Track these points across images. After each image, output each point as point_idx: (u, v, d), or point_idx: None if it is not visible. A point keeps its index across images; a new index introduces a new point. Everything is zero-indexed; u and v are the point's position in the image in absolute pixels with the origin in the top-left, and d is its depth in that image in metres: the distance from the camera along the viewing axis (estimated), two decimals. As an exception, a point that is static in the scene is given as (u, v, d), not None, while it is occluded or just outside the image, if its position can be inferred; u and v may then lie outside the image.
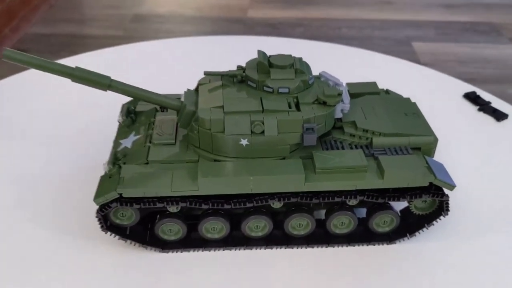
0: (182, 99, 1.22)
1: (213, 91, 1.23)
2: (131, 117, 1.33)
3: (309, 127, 1.14)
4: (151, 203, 1.13)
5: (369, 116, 1.26)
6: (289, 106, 1.17)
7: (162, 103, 1.21)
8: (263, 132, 1.13)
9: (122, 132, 1.31)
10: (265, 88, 1.20)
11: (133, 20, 3.34)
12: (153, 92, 1.20)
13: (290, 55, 1.26)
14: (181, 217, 1.18)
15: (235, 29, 3.25)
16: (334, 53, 2.00)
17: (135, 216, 1.18)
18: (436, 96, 1.62)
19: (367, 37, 3.23)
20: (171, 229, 1.19)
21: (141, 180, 1.13)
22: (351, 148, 1.22)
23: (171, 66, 1.85)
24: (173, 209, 1.16)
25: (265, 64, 1.21)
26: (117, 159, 1.18)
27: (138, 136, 1.26)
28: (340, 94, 1.19)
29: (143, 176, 1.14)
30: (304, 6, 3.62)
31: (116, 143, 1.27)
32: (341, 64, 1.77)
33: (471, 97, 1.65)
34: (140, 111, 1.36)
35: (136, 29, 3.25)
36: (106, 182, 1.10)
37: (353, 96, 1.36)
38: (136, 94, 1.18)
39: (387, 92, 1.41)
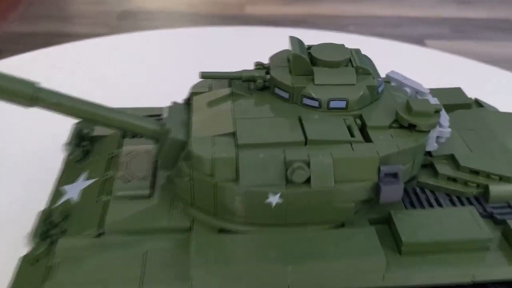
0: (165, 117, 0.65)
1: (217, 105, 0.67)
2: (84, 147, 0.75)
3: (389, 172, 0.58)
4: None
5: (475, 146, 0.70)
6: (350, 133, 0.61)
7: (128, 127, 0.64)
8: (308, 180, 0.57)
9: (69, 171, 0.74)
10: (305, 101, 0.65)
11: (120, 17, 2.80)
12: (111, 109, 0.63)
13: (343, 45, 0.70)
14: None
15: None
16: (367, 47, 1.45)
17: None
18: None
19: (377, 35, 2.71)
20: None
21: (88, 271, 0.56)
22: (451, 201, 0.66)
23: (154, 64, 1.30)
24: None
25: (304, 59, 0.65)
26: (52, 224, 0.62)
27: (91, 181, 0.69)
28: (438, 111, 0.63)
29: (92, 262, 0.57)
30: (307, 2, 3.08)
31: (57, 191, 0.70)
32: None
33: None
34: (98, 136, 0.78)
35: (123, 26, 2.72)
36: (27, 272, 0.53)
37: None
38: (82, 113, 0.61)
39: (478, 103, 0.85)
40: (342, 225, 0.62)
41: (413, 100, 0.64)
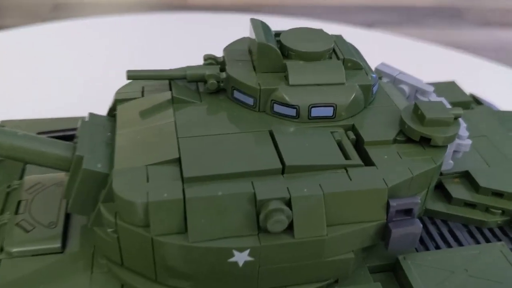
0: (77, 137, 0.44)
1: (152, 118, 0.46)
2: None
3: (402, 208, 0.39)
4: None
5: (493, 158, 0.53)
6: (343, 153, 0.42)
7: (22, 156, 0.42)
8: (290, 227, 0.37)
9: None
10: (277, 108, 0.45)
11: (54, 9, 2.51)
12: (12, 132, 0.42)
13: (322, 30, 0.50)
14: None
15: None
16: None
17: None
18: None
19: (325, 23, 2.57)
20: None
21: None
22: (470, 233, 0.49)
23: (87, 55, 1.17)
24: None
25: (273, 49, 0.45)
26: None
27: None
28: (457, 118, 0.45)
29: None
30: (253, -10, 2.89)
31: None
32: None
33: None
34: None
35: (56, 18, 2.42)
36: None
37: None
38: None
39: (475, 99, 0.68)
40: (336, 281, 0.44)
41: (424, 104, 0.46)
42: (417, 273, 0.44)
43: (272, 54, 0.46)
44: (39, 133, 0.57)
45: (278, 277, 0.41)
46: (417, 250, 0.48)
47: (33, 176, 0.51)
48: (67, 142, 0.44)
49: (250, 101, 0.47)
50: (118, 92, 0.50)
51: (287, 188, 0.39)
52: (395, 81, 0.55)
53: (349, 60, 0.48)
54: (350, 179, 0.41)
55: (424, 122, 0.44)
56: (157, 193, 0.38)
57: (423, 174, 0.43)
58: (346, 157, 0.43)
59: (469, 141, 0.48)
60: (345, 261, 0.42)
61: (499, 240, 0.49)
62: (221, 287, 0.41)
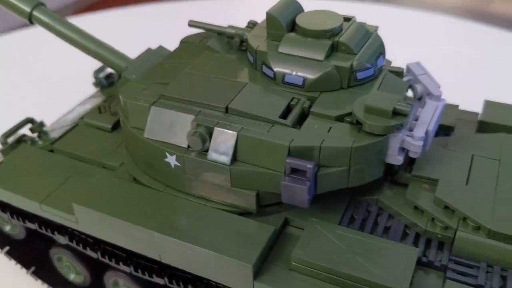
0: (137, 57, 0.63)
1: (188, 56, 0.61)
2: (109, 78, 0.78)
3: (298, 168, 0.46)
4: (21, 216, 0.59)
5: (482, 180, 0.51)
6: (284, 114, 0.49)
7: (96, 57, 0.65)
8: (206, 150, 0.48)
9: (92, 96, 0.77)
10: (264, 69, 0.54)
11: None
12: (92, 39, 0.64)
13: (340, 16, 0.56)
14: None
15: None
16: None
17: (19, 229, 0.65)
18: None
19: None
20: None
21: (21, 176, 0.61)
22: (405, 235, 0.49)
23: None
24: (59, 239, 0.60)
25: (275, 20, 0.54)
26: (33, 131, 0.67)
27: (90, 106, 0.72)
28: (401, 114, 0.47)
29: (30, 169, 0.61)
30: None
31: (75, 109, 0.74)
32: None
33: None
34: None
35: None
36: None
37: (484, 128, 0.60)
38: (65, 37, 0.64)
39: None
40: (250, 213, 0.52)
41: (377, 94, 0.48)
42: (312, 236, 0.48)
43: (276, 24, 0.55)
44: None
45: (200, 188, 0.52)
46: (340, 224, 0.51)
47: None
48: (127, 56, 0.63)
49: (251, 59, 0.56)
50: (185, 37, 0.66)
51: (218, 122, 0.49)
52: (415, 80, 0.56)
53: (343, 44, 0.52)
54: (268, 132, 0.48)
55: (363, 106, 0.47)
56: (138, 99, 0.53)
57: (335, 149, 0.46)
58: (284, 117, 0.49)
59: (420, 143, 0.47)
60: (248, 196, 0.49)
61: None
62: (162, 179, 0.54)
